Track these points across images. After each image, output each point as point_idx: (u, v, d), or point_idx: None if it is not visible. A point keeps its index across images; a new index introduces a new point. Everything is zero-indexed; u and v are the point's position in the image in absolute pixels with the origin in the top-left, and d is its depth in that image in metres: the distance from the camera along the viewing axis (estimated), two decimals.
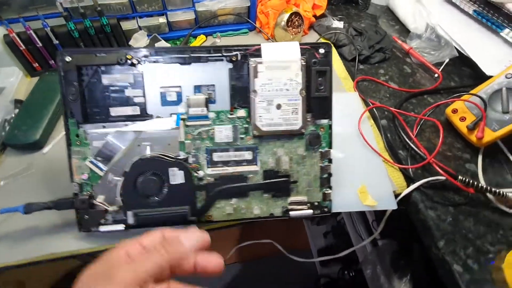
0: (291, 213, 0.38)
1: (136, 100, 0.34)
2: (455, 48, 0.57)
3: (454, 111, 0.48)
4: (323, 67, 0.35)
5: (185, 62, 0.34)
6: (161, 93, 0.34)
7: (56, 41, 0.54)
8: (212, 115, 0.35)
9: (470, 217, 0.41)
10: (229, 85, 0.35)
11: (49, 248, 0.36)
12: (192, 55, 0.34)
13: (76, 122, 0.34)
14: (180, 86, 0.34)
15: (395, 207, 0.41)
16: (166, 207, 0.36)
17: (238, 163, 0.36)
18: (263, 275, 1.07)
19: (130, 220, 0.36)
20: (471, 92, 0.47)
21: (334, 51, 0.60)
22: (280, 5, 0.61)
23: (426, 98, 0.54)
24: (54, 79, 0.47)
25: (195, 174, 0.36)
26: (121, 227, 0.36)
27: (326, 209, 0.38)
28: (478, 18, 0.58)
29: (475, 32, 0.57)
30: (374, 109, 0.51)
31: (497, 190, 0.40)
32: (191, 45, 0.63)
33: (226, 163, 0.36)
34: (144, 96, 0.34)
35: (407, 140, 0.47)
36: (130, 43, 0.59)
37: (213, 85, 0.35)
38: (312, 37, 0.61)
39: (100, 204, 0.35)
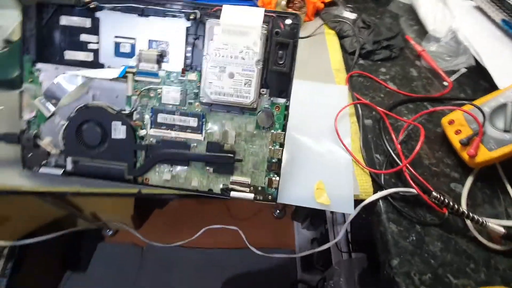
0: (232, 193, 0.35)
1: (90, 46, 0.34)
2: (473, 56, 0.50)
3: (451, 122, 0.42)
4: (285, 39, 0.31)
5: (142, 13, 0.32)
6: (116, 43, 0.33)
7: None
8: (162, 73, 0.33)
9: (438, 241, 0.36)
10: (184, 45, 0.33)
11: None
12: (150, 6, 0.32)
13: (31, 59, 0.34)
14: (134, 39, 0.33)
15: (351, 211, 0.37)
16: (106, 160, 0.35)
17: (182, 128, 0.34)
18: (242, 267, 1.04)
19: (69, 166, 0.35)
20: (473, 102, 0.41)
21: (335, 41, 0.56)
22: None
23: (426, 105, 0.48)
24: None
25: (137, 133, 0.35)
26: (59, 171, 0.35)
27: (270, 197, 0.35)
28: (505, 28, 0.50)
29: (498, 42, 0.50)
30: (359, 106, 0.46)
31: (477, 218, 0.35)
32: None
33: (170, 127, 0.34)
34: (98, 43, 0.33)
35: (387, 144, 0.42)
36: None
37: (168, 42, 0.33)
38: (316, 24, 0.57)
39: (44, 145, 0.35)
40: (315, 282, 0.93)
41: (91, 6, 0.32)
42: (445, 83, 0.51)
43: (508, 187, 0.40)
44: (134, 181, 0.36)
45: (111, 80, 0.34)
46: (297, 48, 0.32)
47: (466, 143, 0.39)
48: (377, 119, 0.45)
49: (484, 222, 0.34)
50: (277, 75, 0.33)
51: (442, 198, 0.35)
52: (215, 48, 0.32)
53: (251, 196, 0.35)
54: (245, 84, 0.32)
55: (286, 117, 0.34)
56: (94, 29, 0.33)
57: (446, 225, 0.37)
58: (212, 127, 0.34)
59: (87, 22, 0.33)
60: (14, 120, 0.41)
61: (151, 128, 0.34)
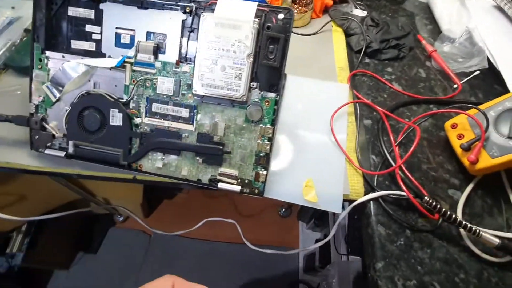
0: (220, 184, 0.36)
1: (94, 36, 0.35)
2: (487, 58, 0.48)
3: (454, 126, 0.40)
4: (277, 33, 0.32)
5: (142, 5, 0.34)
6: (116, 33, 0.35)
7: None
8: (158, 64, 0.35)
9: (428, 248, 0.35)
10: (180, 37, 0.34)
11: (5, 158, 0.40)
12: None
13: (40, 47, 0.36)
14: (134, 30, 0.35)
15: (339, 211, 0.37)
16: (103, 145, 0.37)
17: (175, 118, 0.35)
18: (243, 262, 1.05)
19: (71, 149, 0.38)
20: (479, 106, 0.39)
21: (341, 38, 0.55)
22: None
23: (432, 108, 0.47)
24: None
25: (133, 120, 0.36)
26: (62, 153, 0.38)
27: (256, 191, 0.36)
28: None
29: None
30: (358, 106, 0.45)
31: (471, 226, 0.33)
32: None
33: (163, 116, 0.36)
34: (101, 34, 0.35)
35: (384, 146, 0.41)
36: None
37: (165, 34, 0.34)
38: (324, 21, 0.56)
39: (50, 128, 0.38)
40: (316, 283, 0.93)
41: None
42: (455, 86, 0.49)
43: (511, 197, 0.37)
44: (129, 166, 0.37)
45: (111, 69, 0.36)
46: (288, 43, 0.32)
47: (467, 149, 0.37)
48: (377, 119, 0.44)
49: (478, 232, 0.33)
50: (267, 70, 0.33)
51: (434, 203, 0.34)
52: (209, 41, 0.32)
53: (237, 188, 0.35)
54: (235, 78, 0.33)
55: (275, 112, 0.34)
56: (98, 20, 0.35)
57: (438, 232, 0.36)
58: (203, 118, 0.35)
59: (91, 14, 0.35)
60: (24, 104, 0.44)
61: (145, 116, 0.36)
